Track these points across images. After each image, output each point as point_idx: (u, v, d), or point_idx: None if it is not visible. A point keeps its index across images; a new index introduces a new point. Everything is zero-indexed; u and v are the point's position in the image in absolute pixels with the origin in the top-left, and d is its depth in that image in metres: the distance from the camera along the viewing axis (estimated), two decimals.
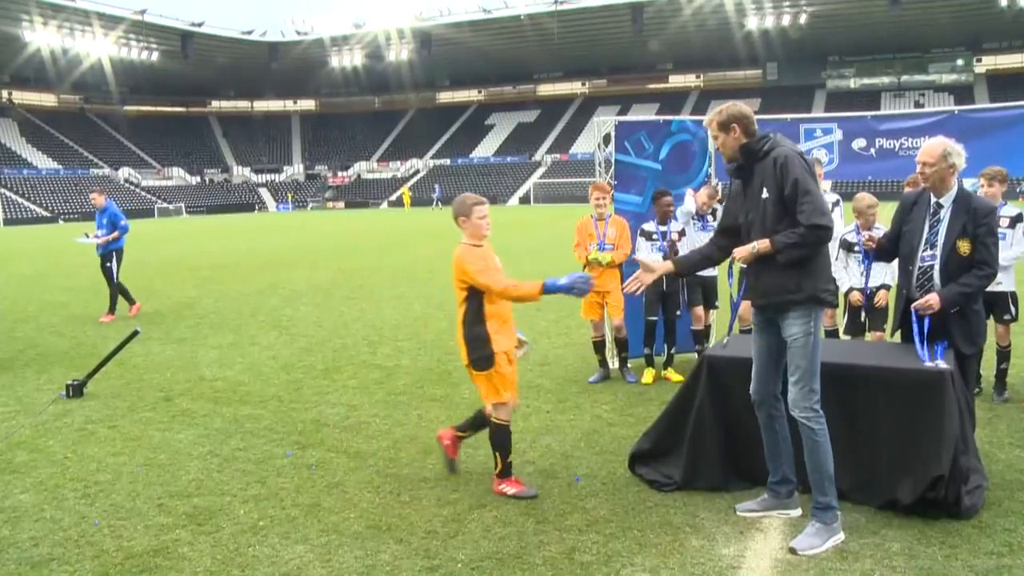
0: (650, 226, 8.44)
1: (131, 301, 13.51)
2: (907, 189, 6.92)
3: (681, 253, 8.27)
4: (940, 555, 4.37)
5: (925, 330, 5.18)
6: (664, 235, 8.36)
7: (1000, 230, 7.03)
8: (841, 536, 4.56)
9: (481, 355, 5.31)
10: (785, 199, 4.52)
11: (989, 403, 7.14)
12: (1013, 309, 7.25)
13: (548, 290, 5.03)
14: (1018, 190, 41.32)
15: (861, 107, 58.62)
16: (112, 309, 13.33)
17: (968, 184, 7.25)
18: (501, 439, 5.40)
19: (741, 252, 4.73)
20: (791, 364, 4.67)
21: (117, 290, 13.40)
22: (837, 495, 4.68)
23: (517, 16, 70.81)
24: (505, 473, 5.40)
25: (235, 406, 7.78)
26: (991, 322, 7.23)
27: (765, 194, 4.59)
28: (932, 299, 5.15)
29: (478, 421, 5.67)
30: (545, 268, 18.70)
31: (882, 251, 5.74)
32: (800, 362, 4.61)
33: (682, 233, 8.39)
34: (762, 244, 4.59)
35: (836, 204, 7.93)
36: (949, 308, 5.17)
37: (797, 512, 4.95)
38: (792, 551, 4.48)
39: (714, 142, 4.82)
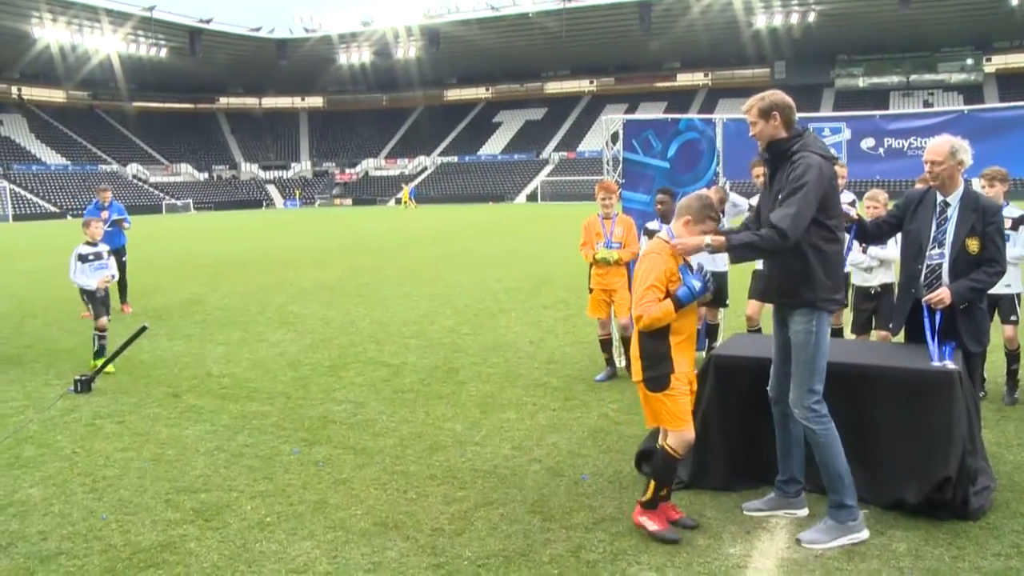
0: (654, 224, 8.43)
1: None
2: (918, 186, 6.88)
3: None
4: (947, 556, 4.35)
5: (937, 326, 5.16)
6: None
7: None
8: (859, 536, 4.52)
9: (657, 374, 4.60)
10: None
11: (998, 404, 7.12)
12: (1019, 310, 7.22)
13: (683, 303, 4.47)
14: None
15: (870, 106, 58.49)
16: (126, 299, 13.84)
17: (976, 184, 7.22)
18: (665, 468, 4.69)
19: (683, 245, 4.58)
20: (793, 361, 4.66)
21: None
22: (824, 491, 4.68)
23: (525, 14, 70.78)
24: (651, 504, 4.69)
25: (242, 402, 7.80)
26: (997, 324, 7.21)
27: (780, 196, 4.55)
28: (943, 293, 5.13)
29: (660, 474, 4.72)
30: (553, 267, 18.71)
31: (865, 232, 5.65)
32: (800, 359, 4.60)
33: None
34: (717, 240, 4.50)
35: (852, 204, 7.91)
36: (959, 303, 5.15)
37: (804, 512, 4.94)
38: (797, 542, 4.53)
39: (751, 128, 4.68)
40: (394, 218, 49.36)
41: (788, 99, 4.64)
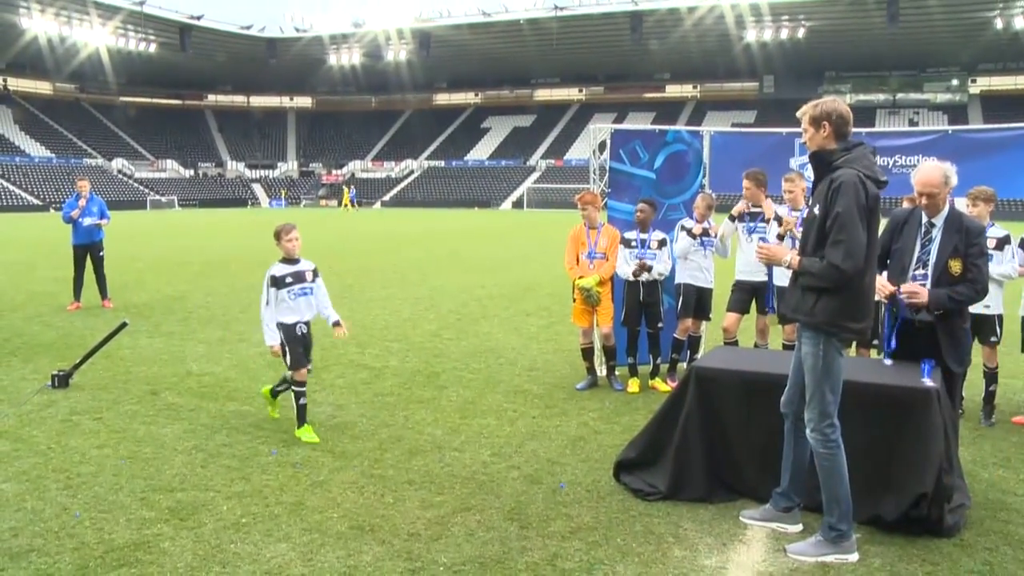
0: (631, 234, 8.46)
1: (77, 296, 13.54)
2: (905, 204, 6.92)
3: (659, 263, 8.29)
4: (921, 572, 4.38)
5: (897, 326, 5.27)
6: (644, 242, 8.36)
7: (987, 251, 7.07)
8: (848, 557, 4.52)
9: None
10: (826, 228, 4.42)
11: (974, 423, 7.17)
12: (999, 331, 7.28)
13: None
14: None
15: (856, 123, 58.54)
16: (107, 294, 13.67)
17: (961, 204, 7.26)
18: None
19: (769, 253, 4.70)
20: (806, 383, 4.66)
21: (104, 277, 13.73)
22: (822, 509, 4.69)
23: (516, 20, 70.84)
24: None
25: (221, 402, 7.76)
26: (976, 344, 7.27)
27: (816, 210, 4.54)
28: (921, 291, 5.15)
29: None
30: (537, 274, 18.72)
31: None
32: (809, 383, 4.61)
33: (662, 243, 8.38)
34: (794, 260, 4.58)
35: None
36: (933, 308, 5.18)
37: (795, 528, 4.96)
38: (785, 551, 4.59)
39: (803, 135, 4.67)
40: (379, 221, 49.25)
41: (843, 109, 4.53)
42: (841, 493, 4.58)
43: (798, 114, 4.68)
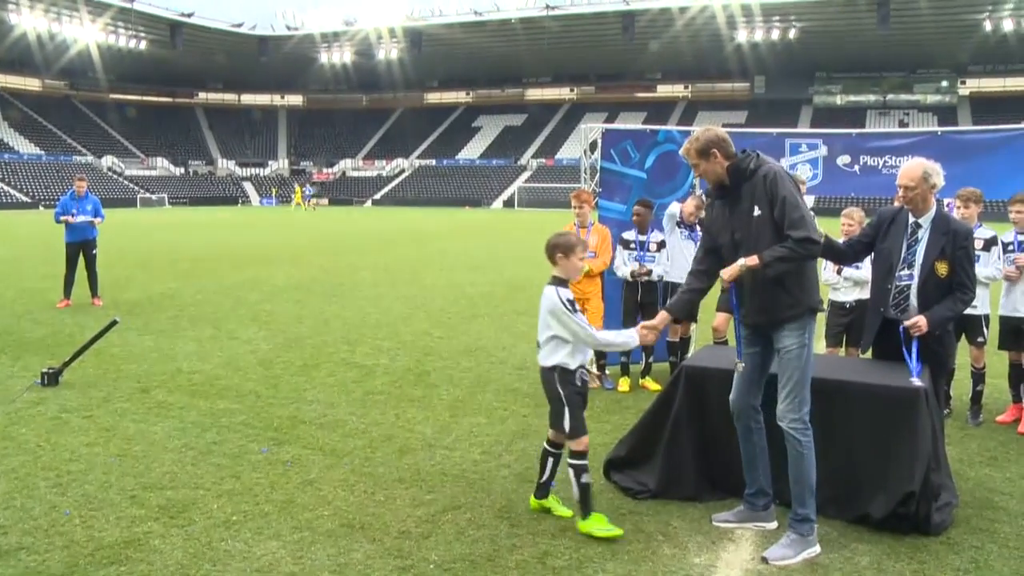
0: (630, 234, 8.48)
1: (68, 294, 13.43)
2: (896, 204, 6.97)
3: (658, 265, 8.33)
4: (908, 570, 4.41)
5: (915, 347, 5.19)
6: (643, 244, 8.39)
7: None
8: (816, 549, 4.59)
9: None
10: (775, 217, 4.55)
11: (961, 422, 7.21)
12: (985, 331, 7.31)
13: None
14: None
15: (846, 124, 59.06)
16: (97, 292, 13.61)
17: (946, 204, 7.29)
18: None
19: (729, 272, 4.70)
20: (783, 375, 4.69)
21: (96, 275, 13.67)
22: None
23: (508, 19, 70.81)
24: None
25: (212, 400, 7.75)
26: (964, 345, 7.31)
27: (756, 212, 4.60)
28: (920, 321, 5.17)
29: None
30: (528, 273, 18.72)
31: (834, 252, 5.72)
32: (793, 373, 4.64)
33: (661, 244, 8.42)
34: (751, 260, 4.59)
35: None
36: (934, 330, 5.21)
37: (772, 525, 4.97)
38: (764, 560, 4.53)
39: (695, 170, 4.86)
40: (373, 219, 49.19)
41: (720, 133, 4.75)
42: (814, 480, 4.67)
43: (681, 152, 4.88)
